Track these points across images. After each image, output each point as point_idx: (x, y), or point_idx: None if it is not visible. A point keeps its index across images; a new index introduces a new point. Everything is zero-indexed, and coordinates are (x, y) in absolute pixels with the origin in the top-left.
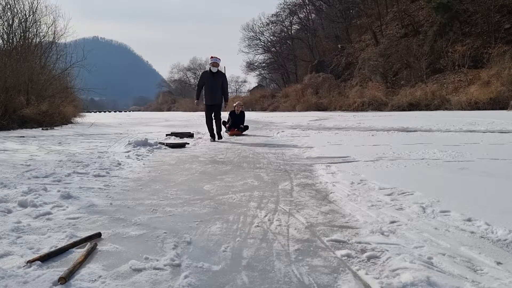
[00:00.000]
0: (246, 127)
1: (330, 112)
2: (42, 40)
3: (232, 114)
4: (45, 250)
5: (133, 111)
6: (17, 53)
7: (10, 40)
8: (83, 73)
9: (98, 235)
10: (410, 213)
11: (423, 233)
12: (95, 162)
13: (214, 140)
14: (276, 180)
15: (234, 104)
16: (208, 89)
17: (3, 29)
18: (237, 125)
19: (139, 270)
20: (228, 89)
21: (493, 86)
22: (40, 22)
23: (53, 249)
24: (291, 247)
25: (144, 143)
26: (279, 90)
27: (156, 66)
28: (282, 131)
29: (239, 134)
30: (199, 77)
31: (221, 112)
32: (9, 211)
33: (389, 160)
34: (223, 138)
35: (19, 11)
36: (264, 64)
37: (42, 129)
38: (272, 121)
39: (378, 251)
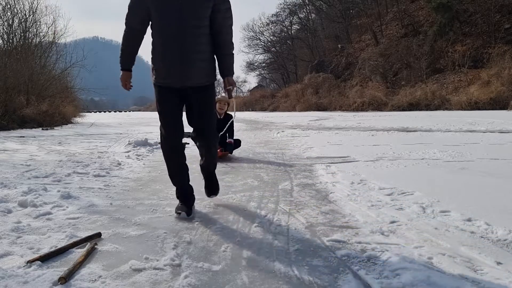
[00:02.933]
0: (237, 143)
1: (330, 112)
2: (42, 40)
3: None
4: (45, 250)
5: (133, 111)
6: (17, 53)
7: (10, 40)
8: (83, 73)
9: (98, 235)
10: (410, 213)
11: (423, 233)
12: (95, 162)
13: (189, 213)
14: (276, 180)
15: (215, 101)
16: (164, 35)
17: (3, 29)
18: (221, 140)
19: (139, 270)
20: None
21: (493, 86)
22: (40, 22)
23: (53, 249)
24: (291, 247)
25: (144, 143)
26: (279, 90)
27: None
28: (282, 131)
29: (224, 155)
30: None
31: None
32: (9, 211)
33: (389, 160)
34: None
35: (19, 11)
36: (264, 64)
37: (42, 129)
38: (272, 121)
39: (378, 251)
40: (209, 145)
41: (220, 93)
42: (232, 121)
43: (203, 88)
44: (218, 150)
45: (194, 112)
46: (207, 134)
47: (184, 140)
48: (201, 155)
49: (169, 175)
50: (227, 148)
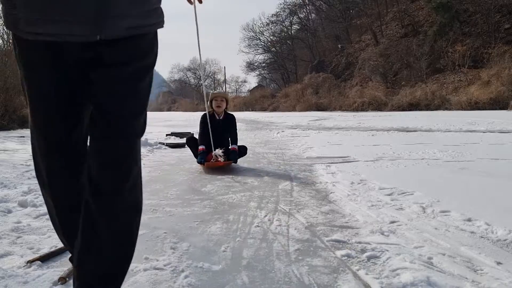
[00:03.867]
0: (243, 151)
1: (330, 112)
2: None
3: (207, 119)
4: (45, 250)
5: None
6: None
7: (10, 40)
8: None
9: None
10: (410, 213)
11: (423, 233)
12: None
13: None
14: (276, 180)
15: (210, 98)
16: None
17: (3, 29)
18: (222, 145)
19: (139, 270)
20: None
21: (493, 86)
22: None
23: (53, 249)
24: (291, 247)
25: (144, 143)
26: (279, 90)
27: (156, 66)
28: (282, 131)
29: (227, 165)
30: None
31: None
32: (9, 211)
33: (389, 160)
34: None
35: None
36: (264, 64)
37: None
38: (272, 121)
39: (378, 251)
40: (117, 206)
41: (217, 88)
42: (235, 122)
43: (132, 43)
44: (221, 159)
45: (101, 106)
46: (123, 172)
47: (185, 140)
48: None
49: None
50: (230, 157)
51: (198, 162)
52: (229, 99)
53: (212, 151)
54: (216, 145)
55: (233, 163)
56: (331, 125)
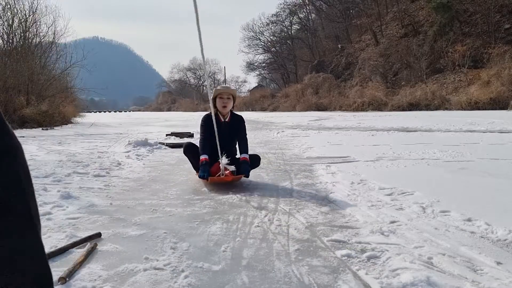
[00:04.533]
0: (255, 161)
1: (330, 112)
2: (42, 40)
3: (209, 121)
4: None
5: (133, 111)
6: (17, 53)
7: (10, 40)
8: (83, 73)
9: (98, 235)
10: (410, 213)
11: (423, 233)
12: (95, 162)
13: None
14: (276, 180)
15: (214, 95)
16: None
17: (3, 29)
18: (228, 155)
19: (139, 270)
20: None
21: (493, 86)
22: (40, 22)
23: (53, 249)
24: (291, 247)
25: (144, 143)
26: (279, 90)
27: (156, 66)
28: (282, 131)
29: (237, 179)
30: None
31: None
32: None
33: (389, 160)
34: None
35: (19, 11)
36: (264, 64)
37: (42, 129)
38: (272, 121)
39: (378, 251)
40: None
41: (220, 83)
42: (244, 125)
43: None
44: (227, 172)
45: None
46: None
47: (185, 140)
48: None
49: None
50: (242, 169)
51: (200, 177)
52: (236, 96)
53: (217, 162)
54: (222, 154)
55: (244, 177)
56: (331, 125)
